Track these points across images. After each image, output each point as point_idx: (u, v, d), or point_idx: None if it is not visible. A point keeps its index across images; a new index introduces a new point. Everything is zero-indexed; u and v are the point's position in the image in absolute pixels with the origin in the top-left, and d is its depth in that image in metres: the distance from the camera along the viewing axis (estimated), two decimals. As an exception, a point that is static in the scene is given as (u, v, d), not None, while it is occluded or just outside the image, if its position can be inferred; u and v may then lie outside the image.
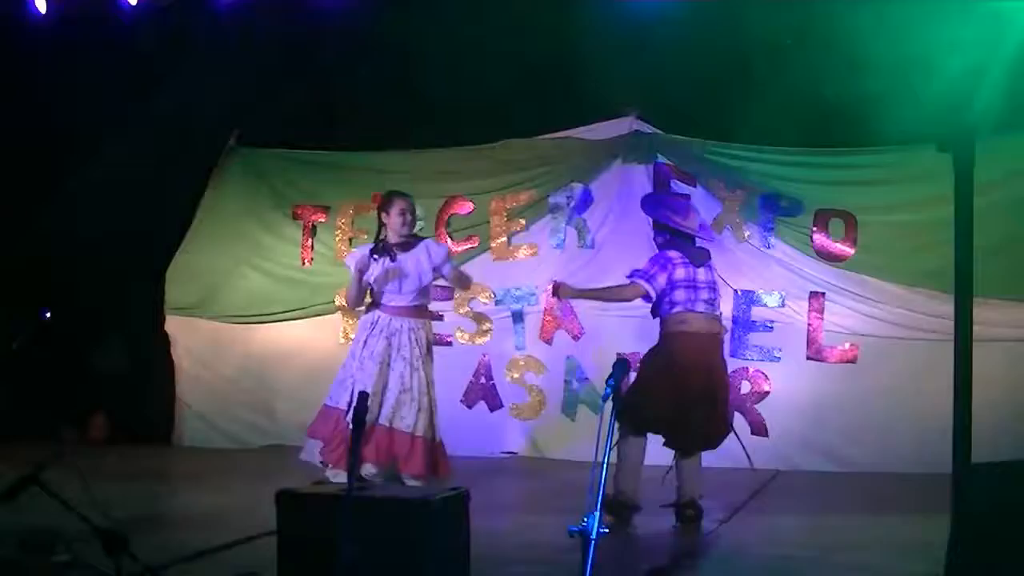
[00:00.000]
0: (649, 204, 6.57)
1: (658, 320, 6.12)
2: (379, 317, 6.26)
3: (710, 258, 6.21)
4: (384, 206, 6.38)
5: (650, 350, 6.17)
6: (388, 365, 6.17)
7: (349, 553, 3.56)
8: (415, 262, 6.31)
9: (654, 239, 6.35)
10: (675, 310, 5.99)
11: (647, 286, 6.01)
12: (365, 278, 6.25)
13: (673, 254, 6.07)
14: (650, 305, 6.16)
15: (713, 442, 6.15)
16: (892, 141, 7.61)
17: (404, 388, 6.14)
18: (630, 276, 6.13)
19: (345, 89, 8.80)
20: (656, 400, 5.90)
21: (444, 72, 8.43)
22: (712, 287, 6.13)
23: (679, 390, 5.91)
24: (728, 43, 7.94)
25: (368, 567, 3.83)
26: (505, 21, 8.19)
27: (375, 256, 6.29)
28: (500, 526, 5.85)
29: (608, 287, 6.54)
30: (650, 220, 6.40)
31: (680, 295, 5.98)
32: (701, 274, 6.07)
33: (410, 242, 6.36)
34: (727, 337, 7.89)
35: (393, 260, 6.28)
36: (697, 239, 6.25)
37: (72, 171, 8.90)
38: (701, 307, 6.02)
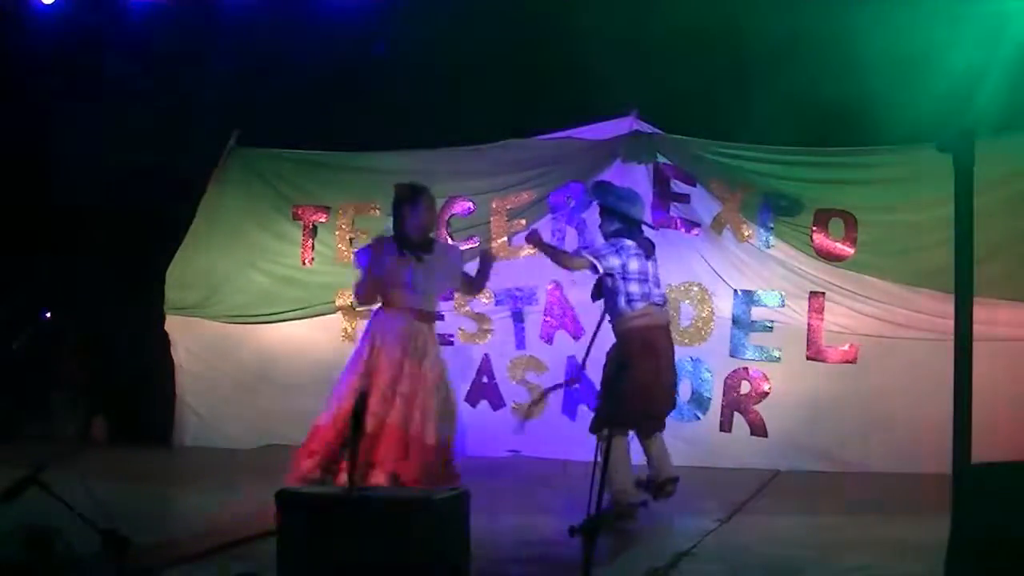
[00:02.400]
0: (598, 190, 6.54)
1: (614, 315, 6.13)
2: (398, 321, 6.09)
3: (655, 250, 6.31)
4: (409, 199, 6.19)
5: (620, 350, 6.13)
6: (403, 369, 6.02)
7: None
8: (442, 264, 6.25)
9: (600, 226, 6.40)
10: (636, 305, 6.07)
11: (593, 260, 6.10)
12: (379, 275, 6.10)
13: (629, 243, 6.14)
14: (595, 291, 6.26)
15: (666, 413, 6.37)
16: (892, 141, 7.62)
17: (431, 392, 6.06)
18: (580, 247, 6.24)
19: (346, 89, 8.80)
20: (648, 396, 6.03)
21: (444, 72, 8.45)
22: (659, 282, 6.29)
23: (659, 380, 6.11)
24: (728, 43, 7.94)
25: (369, 568, 3.83)
26: (505, 21, 8.20)
27: (403, 252, 6.11)
28: (500, 526, 5.86)
29: (562, 250, 6.60)
30: (598, 207, 6.44)
31: (635, 288, 6.07)
32: (650, 268, 6.19)
33: (430, 241, 6.29)
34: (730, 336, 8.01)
35: (420, 260, 6.15)
36: (645, 229, 6.34)
37: (72, 171, 8.91)
38: (656, 299, 6.18)
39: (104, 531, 4.38)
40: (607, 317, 6.07)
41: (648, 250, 6.22)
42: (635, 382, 5.92)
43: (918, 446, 7.19)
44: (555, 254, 6.53)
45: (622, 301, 6.07)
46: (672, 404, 6.40)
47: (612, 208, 6.25)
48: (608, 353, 6.20)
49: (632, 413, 5.98)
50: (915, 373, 7.48)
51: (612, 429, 5.92)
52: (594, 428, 6.12)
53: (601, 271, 6.10)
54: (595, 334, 5.69)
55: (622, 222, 6.20)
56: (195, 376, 9.01)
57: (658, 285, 6.28)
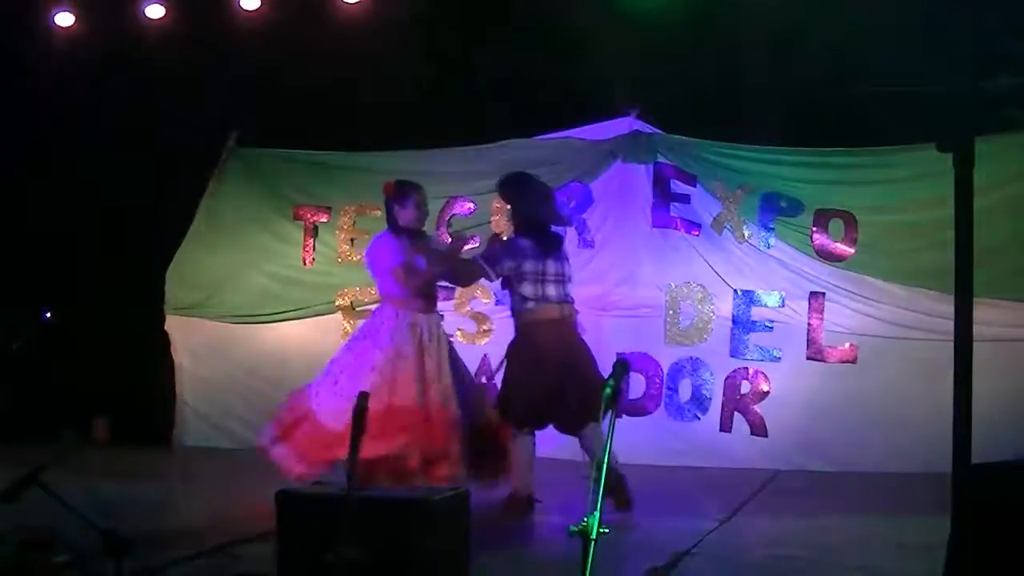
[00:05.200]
0: (505, 186, 6.50)
1: (513, 314, 6.23)
2: (418, 318, 6.22)
3: (562, 244, 6.32)
4: (398, 196, 6.31)
5: (509, 347, 6.28)
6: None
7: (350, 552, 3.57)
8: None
9: (510, 219, 6.45)
10: (527, 305, 6.13)
11: (486, 267, 6.14)
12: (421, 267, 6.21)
13: (525, 243, 6.17)
14: (502, 293, 6.37)
15: (595, 414, 6.12)
16: (892, 141, 7.62)
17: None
18: (474, 258, 6.28)
19: (345, 89, 8.80)
20: (526, 394, 6.07)
21: (445, 72, 8.45)
22: (561, 279, 6.22)
23: (545, 377, 6.05)
24: (728, 43, 7.95)
25: (368, 567, 3.83)
26: (505, 21, 8.20)
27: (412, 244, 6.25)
28: (500, 526, 5.86)
29: (457, 259, 6.40)
30: (508, 204, 6.47)
31: (528, 289, 6.11)
32: (550, 267, 6.17)
33: (424, 233, 6.38)
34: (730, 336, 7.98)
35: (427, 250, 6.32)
36: (553, 227, 6.37)
37: (72, 170, 8.91)
38: (551, 296, 6.16)
39: (104, 531, 4.38)
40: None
41: (549, 248, 6.22)
42: (521, 382, 6.08)
43: (918, 446, 7.19)
44: (447, 261, 6.39)
45: (517, 299, 6.17)
46: (577, 403, 6.04)
47: (520, 206, 6.30)
48: (508, 348, 6.32)
49: (521, 410, 6.08)
50: (915, 373, 7.48)
51: (513, 425, 6.11)
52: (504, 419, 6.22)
53: (494, 277, 6.19)
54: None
55: (526, 220, 6.25)
56: (195, 376, 9.00)
57: (562, 282, 6.23)
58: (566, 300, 6.30)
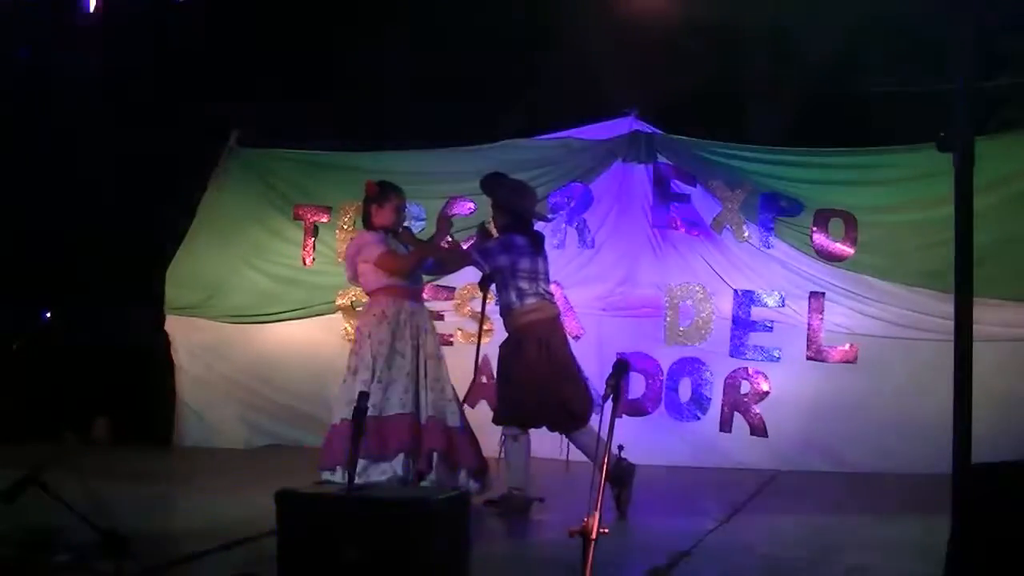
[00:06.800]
0: (488, 185, 6.53)
1: (507, 311, 6.22)
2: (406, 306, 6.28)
3: (544, 242, 6.37)
4: (378, 199, 6.35)
5: (510, 347, 6.23)
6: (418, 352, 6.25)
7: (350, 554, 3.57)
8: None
9: (493, 219, 6.49)
10: (527, 301, 6.14)
11: (480, 259, 6.20)
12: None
13: (520, 240, 6.20)
14: (485, 292, 6.41)
15: (589, 411, 6.13)
16: (892, 141, 7.62)
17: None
18: (468, 248, 6.38)
19: (345, 89, 8.81)
20: (533, 392, 6.04)
21: (444, 72, 8.45)
22: (548, 277, 6.32)
23: (547, 375, 6.07)
24: (728, 43, 7.95)
25: (368, 568, 3.83)
26: (505, 21, 8.21)
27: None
28: (500, 526, 5.86)
29: (446, 248, 6.60)
30: (490, 200, 6.49)
31: (525, 285, 6.14)
32: (540, 264, 6.23)
33: (398, 234, 6.45)
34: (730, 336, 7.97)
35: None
36: (535, 222, 6.43)
37: (73, 171, 8.91)
38: (547, 294, 6.25)
39: (104, 531, 4.38)
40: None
41: (537, 245, 6.27)
42: (529, 380, 6.04)
43: (918, 446, 7.19)
44: (434, 250, 6.54)
45: (513, 294, 6.16)
46: (577, 399, 6.13)
47: (502, 203, 6.32)
48: (501, 348, 6.30)
49: (528, 409, 6.06)
50: (915, 373, 7.49)
51: (510, 427, 6.09)
52: (497, 422, 6.24)
53: (488, 270, 6.19)
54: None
55: (512, 217, 6.27)
56: (195, 376, 8.99)
57: (547, 281, 6.31)
58: (554, 299, 6.40)
